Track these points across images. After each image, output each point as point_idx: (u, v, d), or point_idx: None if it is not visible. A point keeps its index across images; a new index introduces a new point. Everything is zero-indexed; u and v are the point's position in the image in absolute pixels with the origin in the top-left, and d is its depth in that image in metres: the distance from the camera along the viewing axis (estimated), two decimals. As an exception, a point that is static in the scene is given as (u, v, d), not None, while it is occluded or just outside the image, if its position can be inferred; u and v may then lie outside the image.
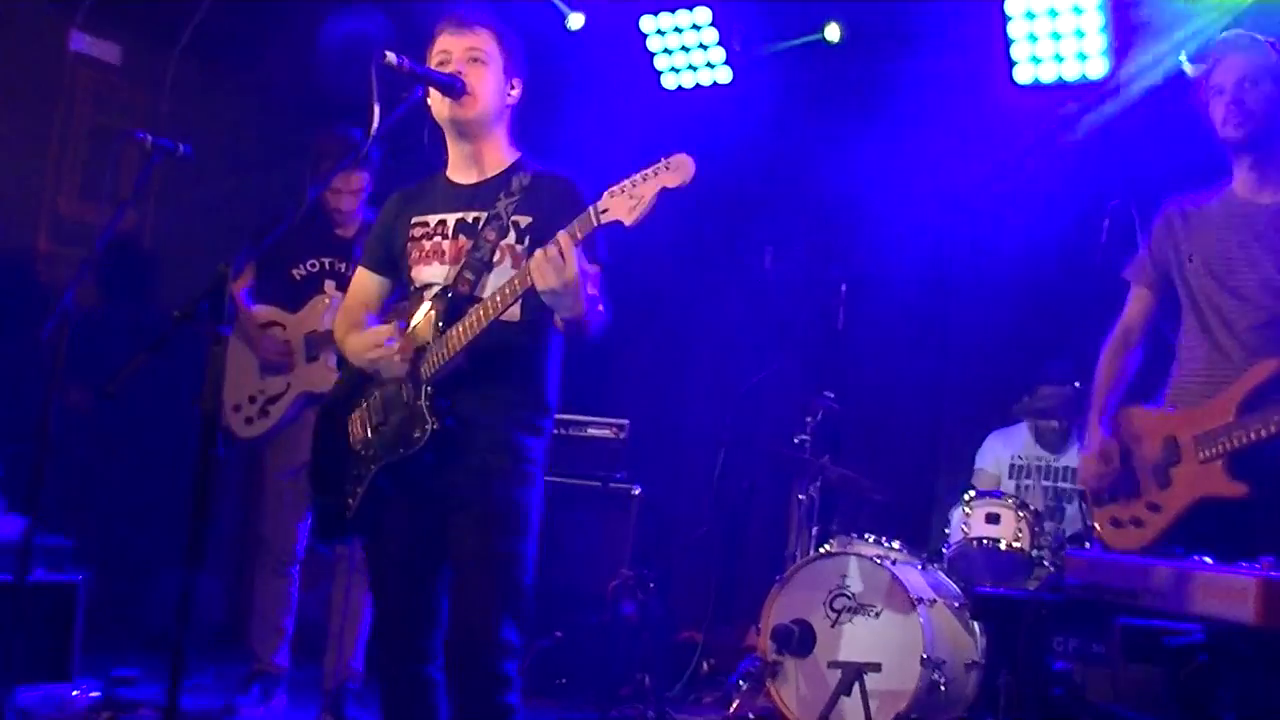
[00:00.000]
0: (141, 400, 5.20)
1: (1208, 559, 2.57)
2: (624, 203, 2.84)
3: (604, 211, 2.86)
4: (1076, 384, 5.26)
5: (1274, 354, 3.42)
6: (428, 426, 3.06)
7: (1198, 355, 3.61)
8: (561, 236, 2.85)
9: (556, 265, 2.83)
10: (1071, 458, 5.58)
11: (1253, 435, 3.33)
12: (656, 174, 2.83)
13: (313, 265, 5.02)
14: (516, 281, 2.99)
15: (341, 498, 3.23)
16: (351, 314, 3.41)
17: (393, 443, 3.13)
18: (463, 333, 3.06)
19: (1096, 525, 3.66)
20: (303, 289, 5.00)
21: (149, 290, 6.45)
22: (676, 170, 2.82)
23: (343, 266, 4.97)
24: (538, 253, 2.87)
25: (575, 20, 6.59)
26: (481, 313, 3.03)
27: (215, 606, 6.52)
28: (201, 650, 5.60)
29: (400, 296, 3.46)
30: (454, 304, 3.13)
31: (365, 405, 3.24)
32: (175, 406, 4.49)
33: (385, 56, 3.00)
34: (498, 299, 3.01)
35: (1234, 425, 3.37)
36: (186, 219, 6.40)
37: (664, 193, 2.82)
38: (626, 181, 2.86)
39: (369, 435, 3.20)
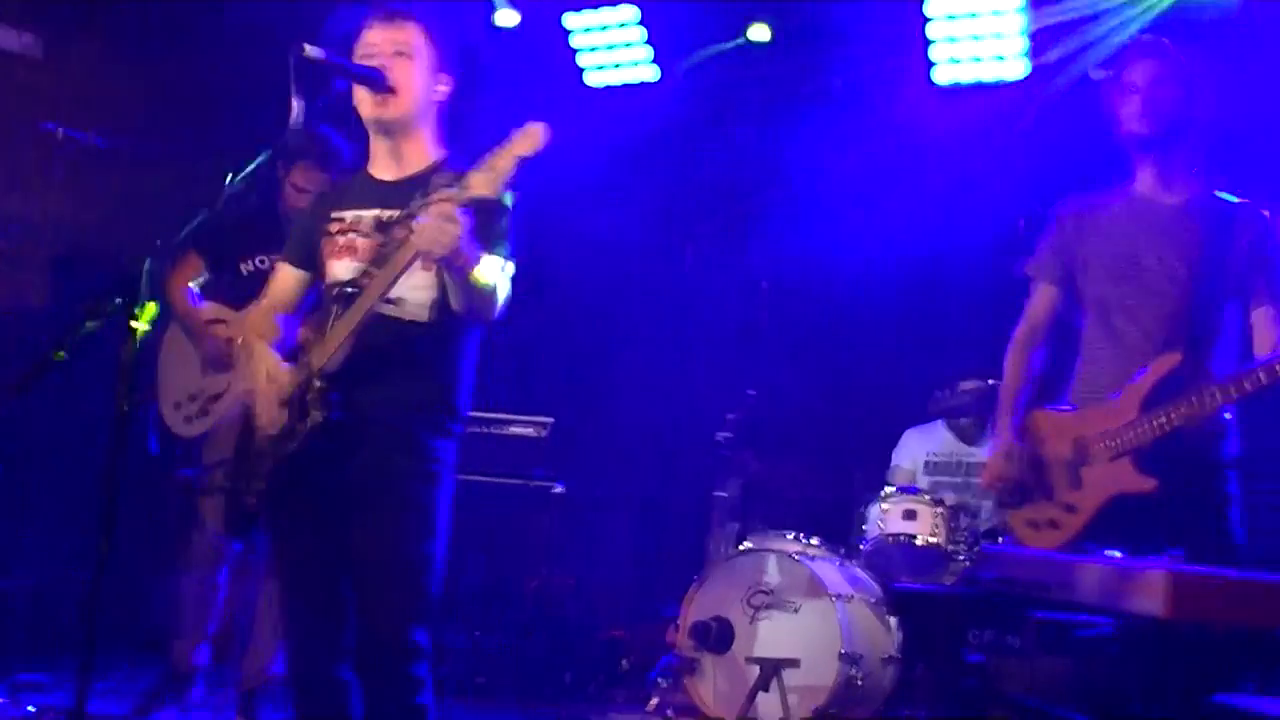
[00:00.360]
0: (58, 398, 5.11)
1: (1118, 553, 2.61)
2: (484, 177, 2.84)
3: (468, 188, 2.85)
4: (990, 381, 5.33)
5: (1176, 349, 3.50)
6: (310, 418, 3.02)
7: (1102, 353, 3.67)
8: (443, 205, 2.83)
9: (443, 229, 2.80)
10: (985, 453, 5.65)
11: (1157, 430, 3.40)
12: (511, 144, 2.84)
13: (261, 261, 4.91)
14: (388, 268, 2.97)
15: (245, 495, 3.19)
16: (264, 315, 3.34)
17: (284, 436, 3.09)
18: (346, 322, 3.03)
19: (1014, 529, 3.71)
20: (250, 285, 4.90)
21: (73, 286, 6.30)
22: (527, 138, 2.83)
23: None
24: (419, 223, 2.84)
25: (505, 17, 6.55)
26: (363, 300, 3.01)
27: (131, 608, 6.39)
28: (115, 653, 5.49)
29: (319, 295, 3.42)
30: (352, 300, 3.08)
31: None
32: (91, 404, 4.39)
33: (304, 49, 2.93)
34: (377, 284, 2.99)
35: (1138, 421, 3.44)
36: (113, 213, 6.27)
37: (522, 162, 2.83)
38: (487, 156, 2.87)
39: (268, 430, 3.15)
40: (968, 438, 5.76)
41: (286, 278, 3.37)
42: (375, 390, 3.08)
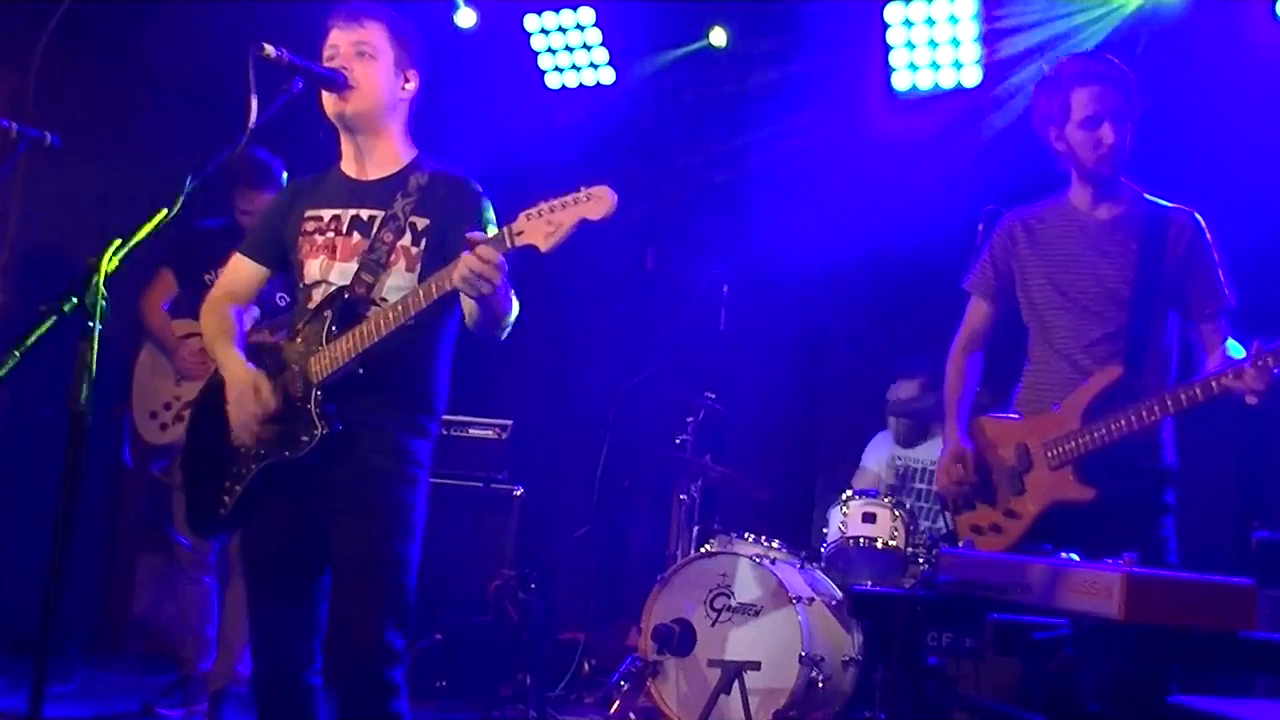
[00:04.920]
0: (16, 398, 5.06)
1: (1074, 556, 2.64)
2: (541, 228, 2.76)
3: (519, 234, 2.77)
4: (918, 380, 5.44)
5: (1117, 362, 3.54)
6: (317, 432, 2.98)
7: (1046, 364, 3.72)
8: (486, 251, 2.75)
9: (485, 274, 2.75)
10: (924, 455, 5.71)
11: (1097, 441, 3.45)
12: (576, 203, 2.75)
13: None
14: (422, 293, 2.91)
15: (217, 494, 3.13)
16: (220, 306, 3.29)
17: (277, 443, 3.04)
18: (361, 338, 2.97)
19: (959, 532, 3.76)
20: None
21: (30, 286, 6.21)
22: (598, 202, 2.75)
23: None
24: (462, 266, 2.77)
25: (465, 17, 6.54)
26: (383, 319, 2.95)
27: (89, 612, 6.32)
28: (72, 657, 5.43)
29: (278, 288, 3.38)
30: (349, 306, 3.05)
31: None
32: (52, 405, 4.35)
33: (262, 48, 2.88)
34: (401, 308, 2.94)
35: (1079, 432, 3.50)
36: (61, 213, 6.19)
37: (584, 223, 2.75)
38: (544, 205, 2.77)
39: (249, 438, 3.09)
40: (905, 436, 5.80)
41: (246, 271, 3.32)
42: (367, 396, 3.05)
